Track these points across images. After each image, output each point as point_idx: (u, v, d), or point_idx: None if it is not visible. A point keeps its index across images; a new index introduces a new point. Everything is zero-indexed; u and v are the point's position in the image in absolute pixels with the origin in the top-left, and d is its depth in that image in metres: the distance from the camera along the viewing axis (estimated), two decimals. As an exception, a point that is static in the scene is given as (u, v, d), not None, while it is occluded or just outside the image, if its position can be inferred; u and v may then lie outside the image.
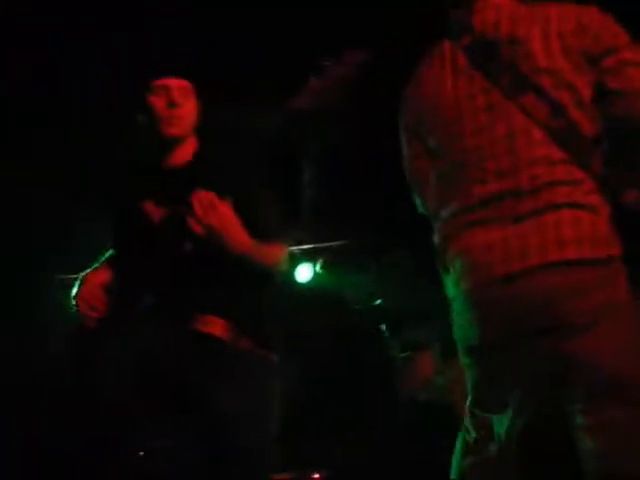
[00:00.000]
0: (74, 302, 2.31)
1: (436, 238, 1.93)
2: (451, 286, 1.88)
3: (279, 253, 2.35)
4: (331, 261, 6.83)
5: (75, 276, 2.39)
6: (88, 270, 2.44)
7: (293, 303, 6.50)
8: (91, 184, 4.75)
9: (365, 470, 5.17)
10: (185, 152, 2.39)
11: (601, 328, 1.67)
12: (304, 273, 6.76)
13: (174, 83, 2.30)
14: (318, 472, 5.11)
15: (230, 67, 4.37)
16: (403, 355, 5.16)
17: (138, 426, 2.15)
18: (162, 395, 2.16)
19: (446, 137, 1.87)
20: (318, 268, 6.82)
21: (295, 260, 6.66)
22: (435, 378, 4.89)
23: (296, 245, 6.67)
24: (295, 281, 6.72)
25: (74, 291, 2.35)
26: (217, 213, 2.09)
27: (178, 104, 2.29)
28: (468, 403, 1.92)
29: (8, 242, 5.86)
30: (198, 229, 2.10)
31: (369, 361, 5.99)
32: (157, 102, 2.29)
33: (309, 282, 6.79)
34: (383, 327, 5.41)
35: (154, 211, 2.31)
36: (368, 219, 6.43)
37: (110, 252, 2.55)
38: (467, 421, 2.01)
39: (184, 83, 2.32)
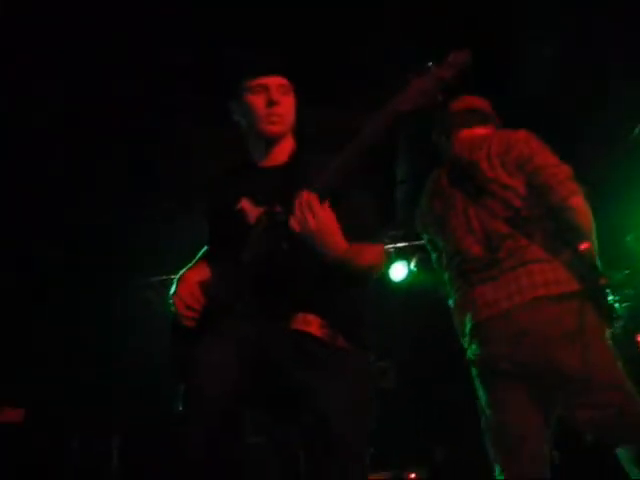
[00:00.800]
0: (171, 301, 2.35)
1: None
2: None
3: (377, 254, 2.31)
4: (426, 259, 6.76)
5: (172, 277, 2.43)
6: (185, 269, 2.48)
7: (388, 302, 6.48)
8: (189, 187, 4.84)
9: (463, 471, 5.10)
10: (283, 151, 2.40)
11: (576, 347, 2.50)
12: (399, 271, 6.73)
13: (273, 81, 2.31)
14: (415, 472, 5.07)
15: (323, 67, 4.39)
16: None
17: (241, 422, 2.16)
18: (263, 392, 2.17)
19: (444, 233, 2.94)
20: (413, 266, 6.77)
21: (390, 259, 6.63)
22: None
23: (391, 243, 6.64)
24: (390, 280, 6.69)
25: (172, 290, 2.38)
26: (317, 216, 2.08)
27: (278, 102, 2.31)
28: None
29: (104, 243, 6.08)
30: (297, 230, 2.10)
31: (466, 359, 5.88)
32: (256, 101, 2.30)
33: (404, 280, 6.75)
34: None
35: (251, 210, 2.30)
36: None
37: (205, 249, 2.57)
38: None
39: (283, 81, 2.33)
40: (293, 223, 2.10)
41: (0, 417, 5.47)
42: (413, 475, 5.03)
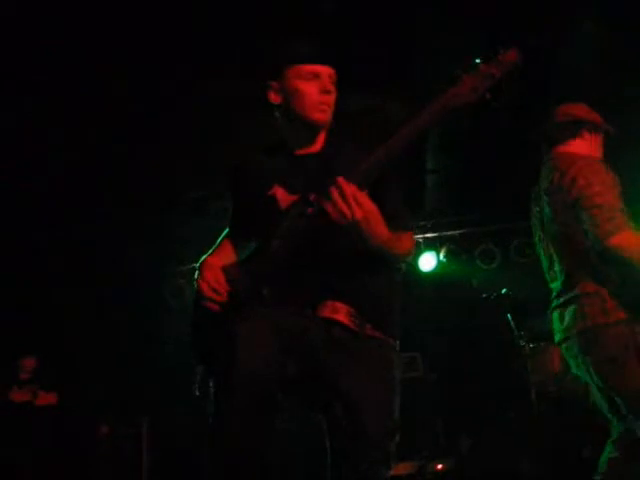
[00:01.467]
0: (197, 285, 2.34)
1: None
2: None
3: (410, 243, 2.32)
4: (456, 249, 6.75)
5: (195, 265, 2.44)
6: (207, 254, 2.47)
7: (418, 292, 6.48)
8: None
9: (489, 461, 5.10)
10: (319, 140, 2.40)
11: None
12: (428, 262, 6.72)
13: (325, 70, 2.31)
14: (441, 462, 5.08)
15: (359, 57, 4.38)
16: (531, 346, 5.05)
17: (277, 403, 2.17)
18: (294, 377, 2.19)
19: None
20: (442, 257, 6.75)
21: (419, 249, 6.62)
22: (564, 371, 4.76)
23: (420, 233, 6.63)
24: (419, 270, 6.69)
25: (196, 275, 2.38)
26: (363, 206, 2.08)
27: (331, 91, 2.31)
28: None
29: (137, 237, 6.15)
30: (342, 222, 2.08)
31: (496, 351, 5.88)
32: (309, 88, 2.29)
33: (433, 270, 6.74)
34: (509, 316, 5.29)
35: (283, 197, 2.30)
36: (492, 206, 6.32)
37: (227, 232, 2.57)
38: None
39: (332, 71, 2.33)
40: (335, 214, 2.09)
41: (36, 400, 5.58)
42: (440, 466, 5.04)
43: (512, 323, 5.26)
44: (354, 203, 2.07)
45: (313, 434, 2.36)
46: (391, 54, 4.78)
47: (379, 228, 2.14)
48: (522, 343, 5.09)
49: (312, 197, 2.20)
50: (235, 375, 2.06)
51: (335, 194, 2.07)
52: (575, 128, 3.15)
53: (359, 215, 2.07)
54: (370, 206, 2.10)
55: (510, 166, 5.63)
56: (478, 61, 2.05)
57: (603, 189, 2.85)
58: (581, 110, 3.23)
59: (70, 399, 5.68)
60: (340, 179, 2.08)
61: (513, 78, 2.03)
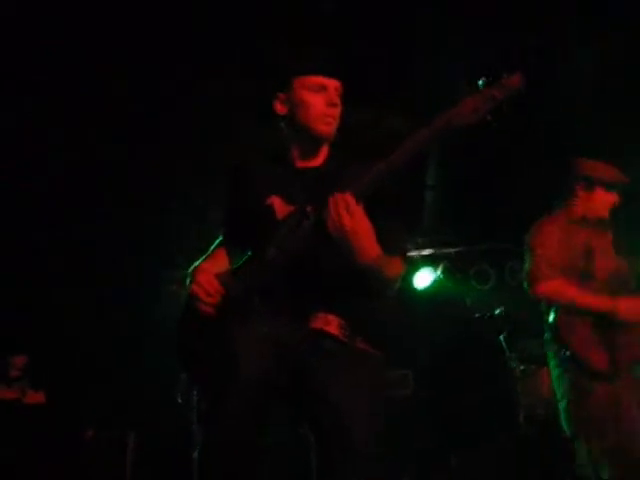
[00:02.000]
0: (190, 290, 2.34)
1: None
2: None
3: (400, 268, 2.30)
4: (452, 267, 6.75)
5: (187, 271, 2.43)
6: (200, 260, 2.48)
7: (412, 308, 6.47)
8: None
9: (479, 478, 5.09)
10: (321, 153, 2.40)
11: None
12: (424, 278, 6.72)
13: (332, 83, 2.32)
14: (431, 478, 5.06)
15: (362, 69, 4.39)
16: (522, 368, 5.05)
17: (268, 415, 2.17)
18: (284, 387, 2.19)
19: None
20: (439, 273, 6.76)
21: (415, 265, 6.62)
22: (553, 395, 4.76)
23: (416, 250, 6.63)
24: (413, 286, 6.68)
25: (188, 280, 2.38)
26: (354, 216, 2.08)
27: (337, 104, 2.32)
28: None
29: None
30: (332, 230, 2.10)
31: (487, 371, 5.88)
32: (315, 100, 2.30)
33: (428, 288, 6.74)
34: (501, 337, 5.30)
35: (280, 207, 2.30)
36: (489, 226, 6.32)
37: (220, 240, 2.56)
38: None
39: (339, 84, 2.34)
40: (328, 223, 2.10)
41: (25, 398, 5.56)
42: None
43: (504, 344, 5.26)
44: (345, 212, 2.08)
45: (299, 449, 2.36)
46: (393, 64, 4.80)
47: (369, 243, 2.13)
48: (513, 365, 5.09)
49: (309, 209, 2.20)
50: (233, 380, 2.07)
51: (330, 203, 2.09)
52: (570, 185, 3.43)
53: (348, 224, 2.08)
54: (361, 218, 2.10)
55: (510, 187, 5.65)
56: (481, 83, 2.06)
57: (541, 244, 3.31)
58: (586, 167, 3.42)
59: (58, 400, 5.66)
60: (337, 191, 2.09)
61: (515, 102, 2.04)
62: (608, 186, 3.38)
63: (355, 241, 2.11)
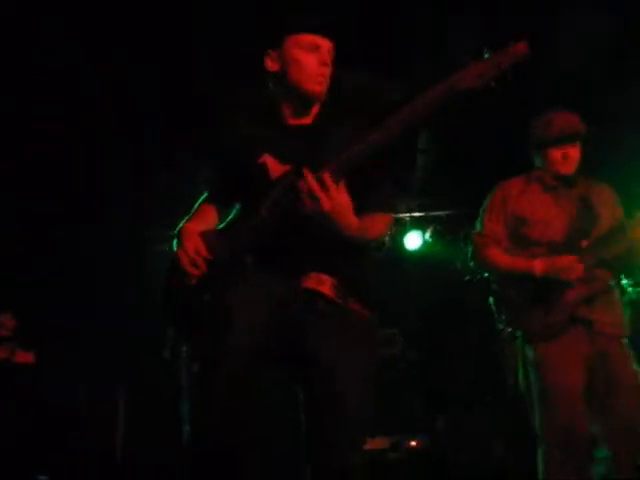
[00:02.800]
0: (176, 255, 2.33)
1: None
2: None
3: (383, 226, 2.32)
4: (441, 230, 6.76)
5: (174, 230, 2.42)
6: (186, 219, 2.46)
7: (401, 270, 6.49)
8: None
9: (464, 439, 5.15)
10: (313, 111, 2.39)
11: None
12: (413, 240, 6.73)
13: (325, 43, 2.31)
14: (416, 439, 5.11)
15: (360, 32, 4.34)
16: (509, 330, 5.07)
17: (259, 377, 2.18)
18: (277, 348, 2.19)
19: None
20: (428, 236, 6.76)
21: (405, 227, 6.62)
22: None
23: (407, 212, 6.63)
24: (404, 248, 6.69)
25: (175, 244, 2.37)
26: (332, 198, 2.09)
27: (328, 64, 2.32)
28: None
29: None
30: (309, 210, 2.11)
31: (476, 333, 5.91)
32: (308, 59, 2.29)
33: (418, 250, 6.75)
34: (490, 300, 5.32)
35: (274, 166, 2.29)
36: (481, 189, 6.31)
37: (206, 195, 2.54)
38: None
39: (331, 44, 2.33)
40: (306, 202, 2.11)
41: (14, 358, 5.56)
42: (414, 443, 5.07)
43: (493, 307, 5.28)
44: (323, 194, 2.09)
45: (291, 408, 2.37)
46: (392, 35, 4.75)
47: (347, 220, 2.16)
48: (501, 327, 5.12)
49: (305, 169, 2.19)
50: (226, 347, 2.07)
51: (305, 183, 2.09)
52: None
53: (327, 206, 2.09)
54: (340, 199, 2.11)
55: (502, 151, 5.63)
56: (487, 51, 2.06)
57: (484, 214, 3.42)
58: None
59: (49, 359, 5.68)
60: (306, 171, 2.10)
61: (519, 69, 2.04)
62: (555, 142, 3.29)
63: (333, 220, 2.14)
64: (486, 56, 2.05)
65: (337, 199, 2.11)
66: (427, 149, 6.16)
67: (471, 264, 3.50)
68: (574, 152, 3.31)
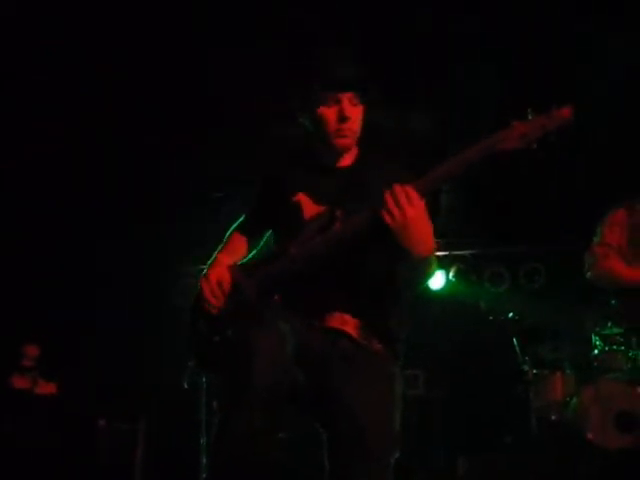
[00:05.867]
0: (199, 284, 2.35)
1: None
2: None
3: (435, 266, 2.29)
4: (466, 269, 6.74)
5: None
6: (218, 250, 2.48)
7: (424, 310, 6.46)
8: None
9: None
10: (348, 156, 2.40)
11: None
12: (437, 280, 6.70)
13: (345, 95, 2.30)
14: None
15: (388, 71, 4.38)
16: (535, 372, 5.03)
17: (280, 415, 2.17)
18: (300, 389, 2.17)
19: None
20: (451, 276, 6.74)
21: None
22: (566, 400, 4.74)
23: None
24: (427, 288, 6.67)
25: (203, 272, 2.39)
26: (414, 207, 2.07)
27: (349, 117, 2.30)
28: None
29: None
30: (390, 221, 2.07)
31: (499, 374, 5.86)
32: (328, 113, 2.29)
33: (441, 289, 6.72)
34: (514, 341, 5.28)
35: (308, 205, 2.30)
36: (505, 229, 6.30)
37: (238, 226, 2.56)
38: None
39: (352, 94, 2.31)
40: (385, 215, 2.08)
41: (36, 389, 5.59)
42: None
43: (517, 347, 5.25)
44: (405, 202, 2.07)
45: (313, 448, 2.35)
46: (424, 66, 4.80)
47: (428, 234, 2.14)
48: (526, 368, 5.08)
49: (339, 212, 2.20)
50: (248, 387, 2.05)
51: (389, 194, 2.07)
52: None
53: (410, 213, 2.07)
54: (422, 208, 2.10)
55: (526, 190, 5.63)
56: (530, 113, 2.07)
57: None
58: None
59: (70, 390, 5.69)
60: (395, 184, 2.09)
61: (562, 133, 2.05)
62: None
63: (416, 231, 2.10)
64: (530, 117, 2.06)
65: (420, 207, 2.09)
66: (451, 189, 6.17)
67: (587, 275, 3.46)
68: None
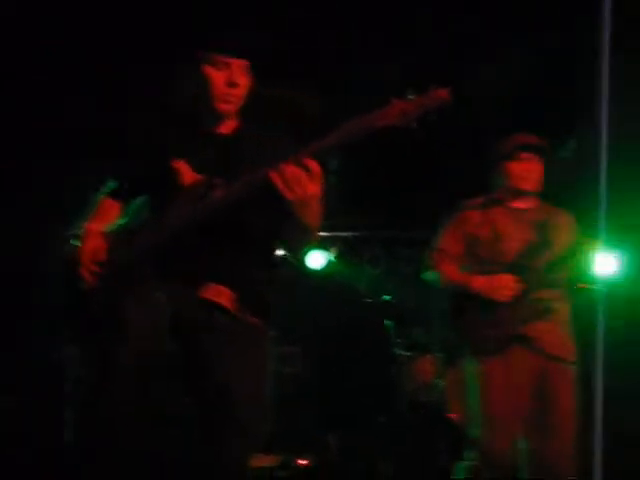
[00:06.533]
0: (75, 257, 2.31)
1: None
2: None
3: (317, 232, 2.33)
4: (346, 251, 6.83)
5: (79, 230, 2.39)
6: (90, 217, 2.43)
7: (302, 288, 6.51)
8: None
9: (353, 461, 5.19)
10: (229, 124, 2.40)
11: None
12: (317, 260, 6.76)
13: (236, 61, 2.31)
14: (306, 458, 5.11)
15: (282, 49, 4.38)
16: (407, 355, 5.18)
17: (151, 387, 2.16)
18: (171, 358, 2.18)
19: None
20: (332, 256, 6.81)
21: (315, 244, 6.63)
22: (435, 381, 4.92)
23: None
24: (307, 267, 6.71)
25: (77, 245, 2.34)
26: (315, 182, 2.09)
27: (238, 84, 2.31)
28: None
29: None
30: (291, 196, 2.07)
31: (374, 355, 5.99)
32: (216, 77, 2.29)
33: (322, 269, 6.79)
34: (389, 323, 5.41)
35: (187, 173, 2.28)
36: (384, 212, 6.43)
37: (110, 190, 2.50)
38: None
39: (244, 62, 2.33)
40: (285, 188, 2.08)
41: None
42: (303, 461, 5.07)
43: (391, 330, 5.38)
44: (308, 179, 2.08)
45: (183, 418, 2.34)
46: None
47: (321, 207, 2.17)
48: (399, 351, 5.22)
49: (217, 180, 2.20)
50: (122, 357, 2.06)
51: (288, 167, 2.08)
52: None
53: (312, 189, 2.09)
54: (320, 179, 2.11)
55: (408, 175, 5.75)
56: (411, 93, 2.12)
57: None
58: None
59: None
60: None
61: (440, 113, 2.10)
62: (515, 149, 3.40)
63: (315, 205, 2.13)
64: (410, 97, 2.10)
65: (319, 184, 2.11)
66: (336, 170, 6.22)
67: (424, 276, 3.59)
68: (534, 167, 3.42)
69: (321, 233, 6.70)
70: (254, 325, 2.28)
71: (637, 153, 4.50)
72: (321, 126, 2.15)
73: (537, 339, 3.26)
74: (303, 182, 2.07)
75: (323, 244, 6.76)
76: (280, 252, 2.45)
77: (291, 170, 2.07)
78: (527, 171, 3.39)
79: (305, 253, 2.45)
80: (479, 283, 3.31)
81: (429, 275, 3.54)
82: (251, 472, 2.26)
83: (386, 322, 5.40)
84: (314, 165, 2.09)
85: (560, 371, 3.29)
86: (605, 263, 5.56)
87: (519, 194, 3.43)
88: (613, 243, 5.04)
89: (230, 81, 2.30)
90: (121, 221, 2.45)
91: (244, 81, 2.33)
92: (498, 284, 3.28)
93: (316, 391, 6.05)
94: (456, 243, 3.48)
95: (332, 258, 6.80)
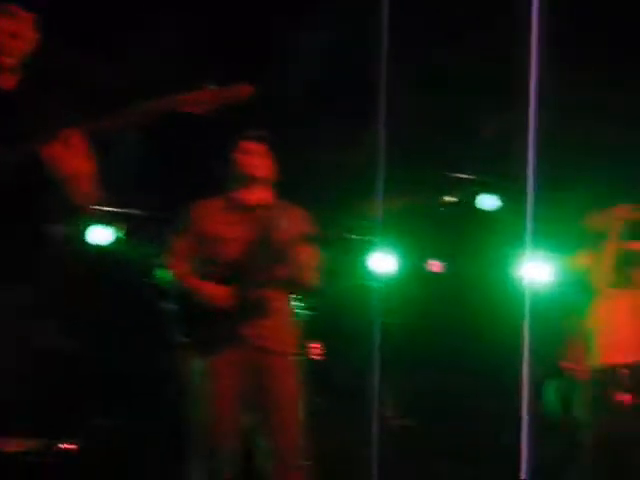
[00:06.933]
0: None
1: None
2: None
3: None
4: (136, 229, 6.69)
5: None
6: None
7: (87, 264, 6.30)
8: None
9: (124, 442, 5.12)
10: (8, 79, 2.29)
11: None
12: (105, 236, 6.55)
13: (23, 13, 2.26)
14: (69, 442, 4.96)
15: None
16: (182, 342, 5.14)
17: None
18: None
19: None
20: (121, 233, 6.64)
21: (95, 220, 6.42)
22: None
23: (100, 205, 6.44)
24: (90, 243, 6.49)
25: None
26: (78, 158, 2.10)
27: (18, 36, 2.24)
28: None
29: None
30: (57, 172, 2.08)
31: (150, 339, 5.91)
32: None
33: (110, 245, 6.59)
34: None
35: None
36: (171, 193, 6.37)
37: None
38: None
39: (31, 15, 2.28)
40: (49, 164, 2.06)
41: None
42: (66, 445, 4.91)
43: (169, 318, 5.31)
44: (68, 154, 2.09)
45: None
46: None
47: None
48: (176, 338, 5.16)
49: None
50: None
51: (52, 146, 2.07)
52: None
53: (75, 166, 2.10)
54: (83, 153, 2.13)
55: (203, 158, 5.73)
56: (212, 84, 2.19)
57: None
58: None
59: None
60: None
61: (239, 105, 2.19)
62: (239, 139, 3.48)
63: (84, 182, 2.15)
64: (211, 87, 2.17)
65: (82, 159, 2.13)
66: (130, 146, 6.10)
67: (157, 274, 3.57)
68: (259, 156, 3.46)
69: (109, 209, 6.58)
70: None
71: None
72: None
73: (256, 337, 3.34)
74: (70, 159, 2.07)
75: (112, 220, 6.57)
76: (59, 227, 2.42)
77: (59, 147, 2.06)
78: (251, 160, 3.45)
79: (83, 228, 2.44)
80: (192, 287, 3.38)
81: (163, 274, 3.52)
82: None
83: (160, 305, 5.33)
84: (81, 142, 2.09)
85: (280, 363, 3.39)
86: (383, 262, 5.94)
87: (245, 183, 3.47)
88: (390, 244, 5.33)
89: (11, 32, 2.23)
90: None
91: (29, 35, 2.27)
92: (208, 292, 3.34)
93: (86, 372, 5.89)
94: (188, 243, 3.48)
95: (121, 235, 6.63)
